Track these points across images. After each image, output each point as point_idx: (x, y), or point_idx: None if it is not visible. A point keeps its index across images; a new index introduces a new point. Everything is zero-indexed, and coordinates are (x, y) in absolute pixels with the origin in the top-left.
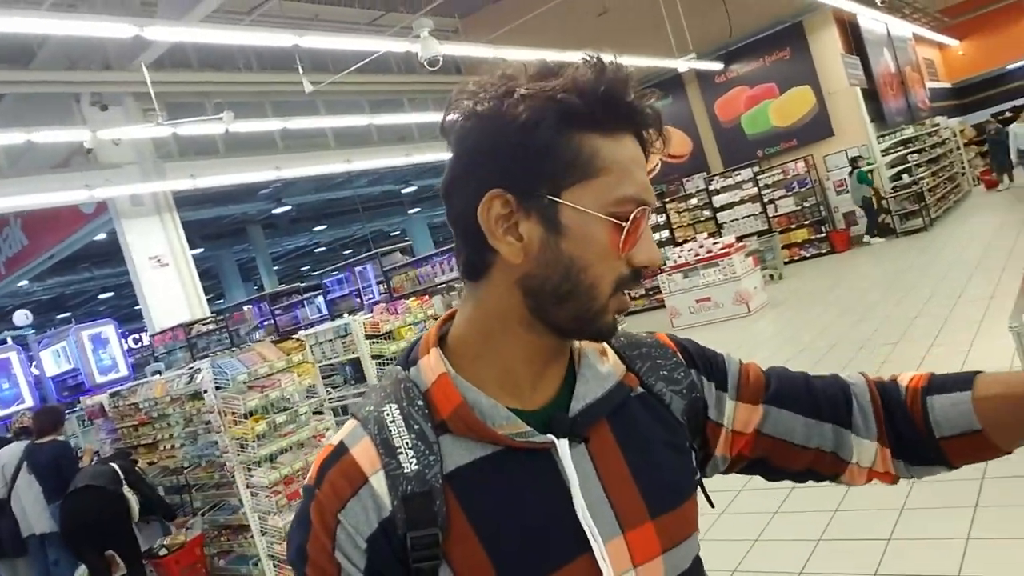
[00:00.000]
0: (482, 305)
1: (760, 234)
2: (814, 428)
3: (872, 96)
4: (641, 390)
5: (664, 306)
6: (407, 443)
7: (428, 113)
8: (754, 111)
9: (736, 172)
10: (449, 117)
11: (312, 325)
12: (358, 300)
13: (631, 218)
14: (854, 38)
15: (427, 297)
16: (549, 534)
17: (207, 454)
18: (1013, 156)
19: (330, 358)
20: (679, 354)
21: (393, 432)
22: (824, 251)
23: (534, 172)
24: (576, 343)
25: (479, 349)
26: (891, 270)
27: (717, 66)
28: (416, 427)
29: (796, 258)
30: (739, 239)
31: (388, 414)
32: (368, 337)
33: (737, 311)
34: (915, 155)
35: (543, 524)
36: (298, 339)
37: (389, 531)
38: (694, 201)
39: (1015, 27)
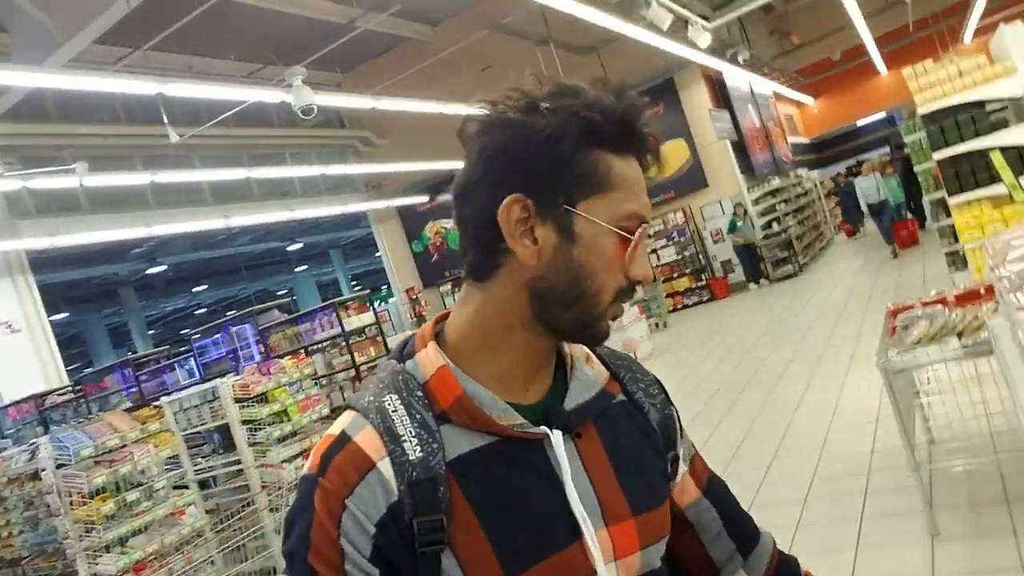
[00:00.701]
0: (486, 305)
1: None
2: (723, 539)
3: (741, 149)
4: (623, 397)
5: None
6: (410, 431)
7: (311, 167)
8: None
9: None
10: (468, 125)
11: (183, 390)
12: (235, 362)
13: (637, 233)
14: (721, 95)
15: (304, 356)
16: (544, 521)
17: (49, 540)
18: (862, 206)
19: (196, 425)
20: (654, 378)
21: (396, 421)
22: (705, 298)
23: (554, 181)
24: (567, 349)
25: (478, 346)
26: (767, 315)
27: None
28: (418, 416)
29: (679, 306)
30: None
31: (389, 403)
32: (238, 400)
33: None
34: (783, 204)
35: (538, 512)
36: (156, 406)
37: (397, 516)
38: None
39: (861, 87)
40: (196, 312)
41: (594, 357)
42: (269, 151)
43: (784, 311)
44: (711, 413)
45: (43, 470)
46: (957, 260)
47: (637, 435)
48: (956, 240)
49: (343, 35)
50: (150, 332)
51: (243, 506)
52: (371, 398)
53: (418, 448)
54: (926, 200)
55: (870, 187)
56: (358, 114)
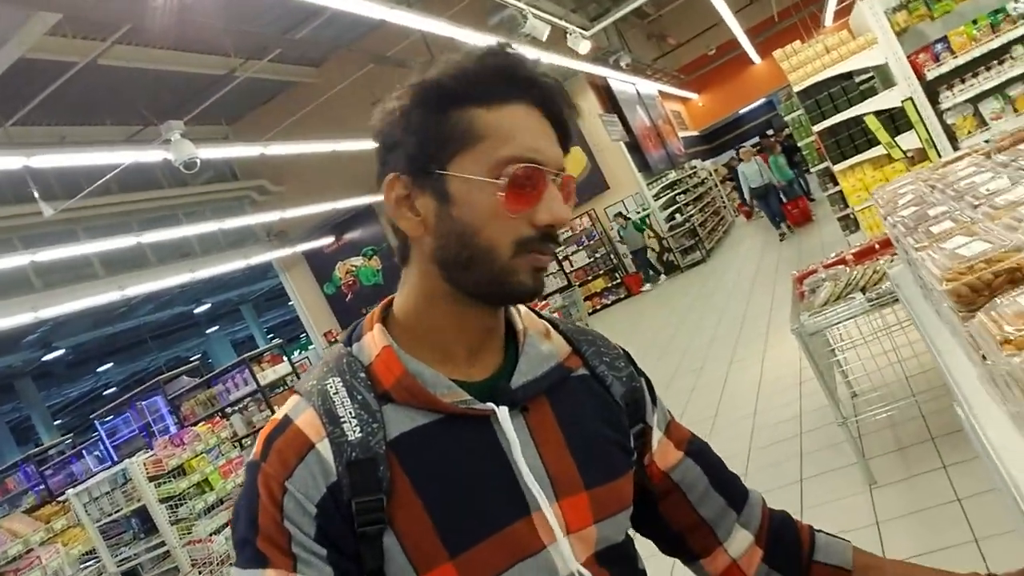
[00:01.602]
0: (411, 285)
1: (561, 290)
2: (712, 496)
3: (635, 149)
4: (584, 372)
5: None
6: (350, 412)
7: (207, 223)
8: None
9: None
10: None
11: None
12: (148, 438)
13: (511, 176)
14: (610, 99)
15: (220, 419)
16: (490, 498)
17: None
18: (745, 193)
19: (110, 513)
20: (621, 352)
21: (336, 402)
22: (622, 296)
23: (421, 151)
24: (520, 325)
25: (417, 326)
26: (683, 303)
27: None
28: (359, 397)
29: (598, 307)
30: (543, 298)
31: (331, 386)
32: (153, 479)
33: None
34: (682, 195)
35: (484, 489)
36: (59, 502)
37: (337, 496)
38: None
39: (739, 78)
40: (105, 393)
41: (555, 332)
42: (160, 213)
43: (698, 297)
44: None
45: None
46: (850, 223)
47: (596, 409)
48: (846, 205)
49: (224, 86)
50: (56, 422)
51: None
52: (314, 382)
53: (357, 428)
54: (814, 171)
55: (752, 172)
56: (250, 163)
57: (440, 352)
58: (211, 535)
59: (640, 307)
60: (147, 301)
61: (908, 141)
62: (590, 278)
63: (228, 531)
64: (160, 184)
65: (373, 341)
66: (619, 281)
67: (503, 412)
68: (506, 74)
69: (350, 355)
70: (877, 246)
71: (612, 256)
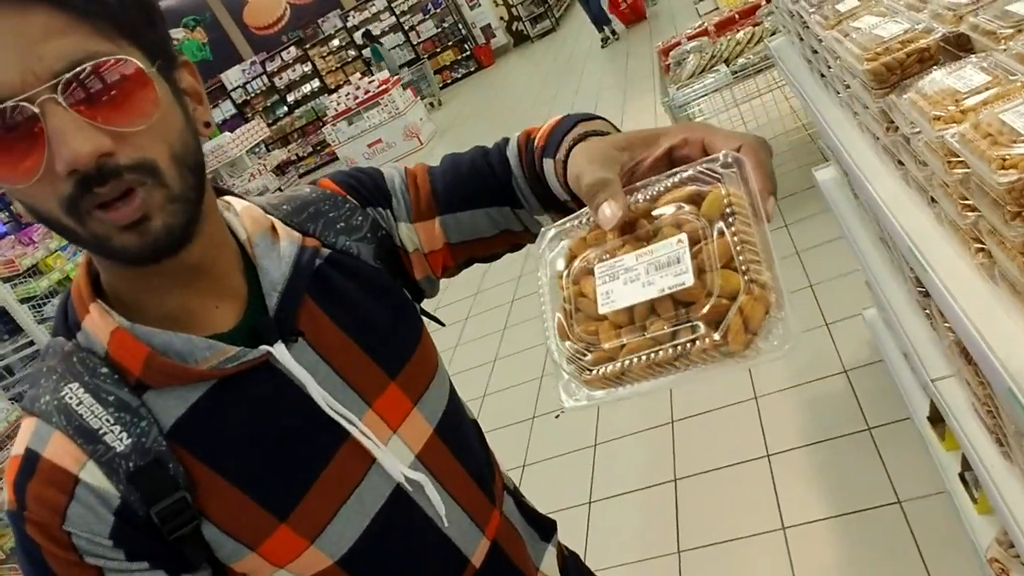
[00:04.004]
0: None
1: (409, 64)
2: (495, 215)
3: None
4: (327, 252)
5: (337, 158)
6: (108, 420)
7: None
8: None
9: (370, 4)
10: None
11: None
12: None
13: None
14: None
15: None
16: (300, 442)
17: None
18: None
19: None
20: (349, 196)
21: (85, 415)
22: (473, 69)
23: None
24: (243, 232)
25: (129, 292)
26: (537, 74)
27: None
28: (111, 398)
29: (449, 81)
30: (394, 73)
31: (71, 397)
32: (6, 280)
33: (410, 146)
34: None
35: (290, 435)
36: None
37: (129, 517)
38: (336, 43)
39: None
40: None
41: (278, 223)
42: None
43: (552, 68)
44: None
45: None
46: None
47: (361, 286)
48: None
49: None
50: None
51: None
52: (47, 397)
53: (124, 435)
54: None
55: None
56: None
57: (169, 312)
58: None
59: (492, 80)
60: None
61: None
62: (438, 50)
63: None
64: None
65: (96, 325)
66: (469, 53)
67: (280, 350)
68: None
69: (79, 349)
70: (737, 16)
71: (460, 26)
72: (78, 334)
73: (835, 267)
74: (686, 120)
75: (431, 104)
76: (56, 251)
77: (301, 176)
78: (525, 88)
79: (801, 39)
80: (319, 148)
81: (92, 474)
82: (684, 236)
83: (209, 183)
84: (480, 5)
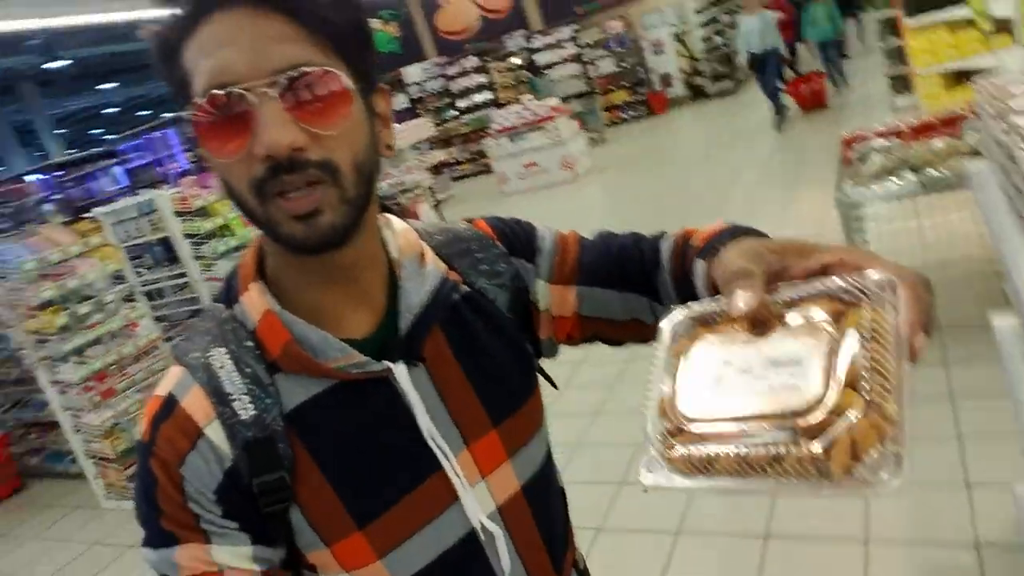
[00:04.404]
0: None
1: (580, 96)
2: (631, 301)
3: None
4: (466, 289)
5: (491, 171)
6: (240, 388)
7: None
8: None
9: (556, 30)
10: None
11: (112, 200)
12: (160, 170)
13: (192, 117)
14: None
15: None
16: (396, 460)
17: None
18: (742, 57)
19: (136, 238)
20: (499, 242)
21: (223, 379)
22: (643, 113)
23: (176, 99)
24: (395, 252)
25: (286, 278)
26: (706, 133)
27: None
28: (248, 370)
29: (617, 120)
30: (563, 100)
31: (217, 359)
32: (179, 214)
33: (564, 176)
34: (726, 16)
35: (389, 451)
36: (94, 219)
37: (236, 479)
38: (516, 60)
39: None
40: (105, 111)
41: (428, 250)
42: None
43: (724, 130)
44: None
45: None
46: (900, 84)
47: (490, 331)
48: (902, 63)
49: None
50: (58, 132)
51: (191, 315)
52: (197, 353)
53: (251, 406)
54: (873, 16)
55: (753, 30)
56: None
57: (316, 306)
58: None
59: (661, 129)
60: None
61: (1002, 7)
62: (612, 88)
63: None
64: None
65: (252, 303)
66: (642, 97)
67: (400, 370)
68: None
69: (233, 319)
70: (937, 123)
71: (639, 69)
72: (235, 306)
73: (992, 424)
74: (856, 219)
75: (593, 139)
76: (224, 199)
77: (454, 180)
78: (691, 145)
79: (1005, 172)
80: (476, 157)
81: (215, 432)
82: (812, 342)
83: (377, 197)
84: (665, 52)
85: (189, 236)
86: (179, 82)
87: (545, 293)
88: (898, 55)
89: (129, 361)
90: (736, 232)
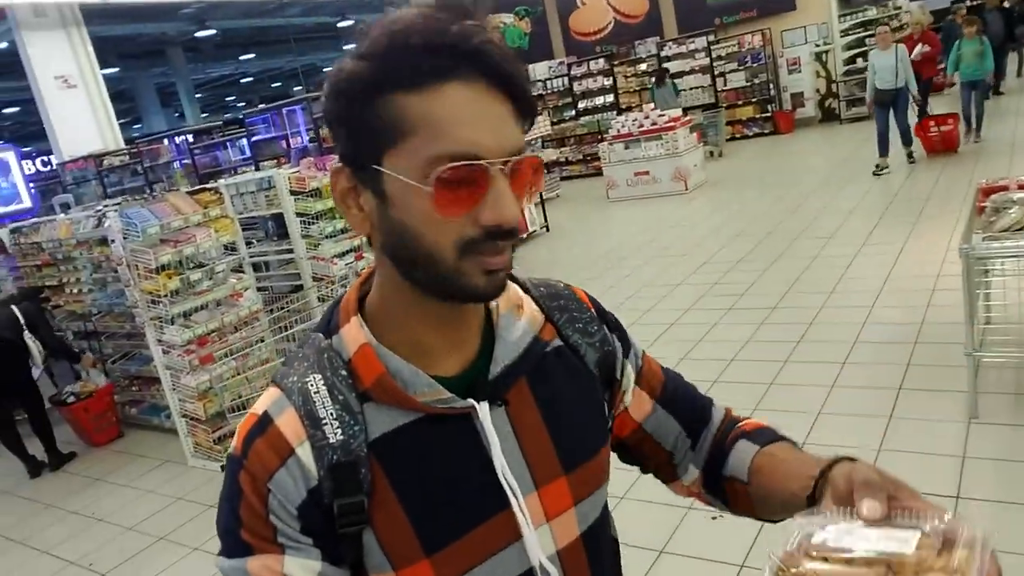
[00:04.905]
0: (379, 272)
1: (705, 108)
2: (682, 440)
3: None
4: (559, 342)
5: (601, 174)
6: (331, 414)
7: None
8: None
9: (690, 40)
10: None
11: (235, 169)
12: (284, 145)
13: (437, 179)
14: None
15: None
16: (469, 494)
17: (117, 303)
18: (867, 92)
19: (251, 211)
20: (592, 309)
21: (317, 403)
22: (767, 131)
23: (357, 143)
24: (493, 303)
25: (390, 316)
26: (832, 159)
27: None
28: (340, 397)
29: (739, 135)
30: (685, 111)
31: (312, 385)
32: (293, 193)
33: (674, 188)
34: (871, 39)
35: (463, 485)
36: (216, 191)
37: (317, 499)
38: (643, 67)
39: None
40: (242, 81)
41: (527, 301)
42: None
43: (850, 157)
44: (757, 259)
45: (112, 241)
46: None
47: (573, 383)
48: None
49: None
50: (197, 96)
51: (292, 290)
52: (295, 378)
53: (339, 431)
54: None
55: (886, 66)
56: None
57: (416, 344)
58: (333, 257)
59: (784, 148)
60: (296, 3)
61: None
62: (739, 103)
63: (348, 258)
64: None
65: (351, 336)
66: (769, 115)
67: (483, 410)
68: (438, 47)
69: (331, 349)
70: None
71: (771, 86)
72: (334, 336)
73: None
74: (980, 271)
75: (711, 152)
76: None
77: (562, 180)
78: (811, 169)
79: None
80: (588, 159)
81: (305, 452)
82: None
83: None
84: (800, 72)
85: (300, 215)
86: (369, 123)
87: (629, 385)
88: None
89: (229, 330)
90: (778, 433)
